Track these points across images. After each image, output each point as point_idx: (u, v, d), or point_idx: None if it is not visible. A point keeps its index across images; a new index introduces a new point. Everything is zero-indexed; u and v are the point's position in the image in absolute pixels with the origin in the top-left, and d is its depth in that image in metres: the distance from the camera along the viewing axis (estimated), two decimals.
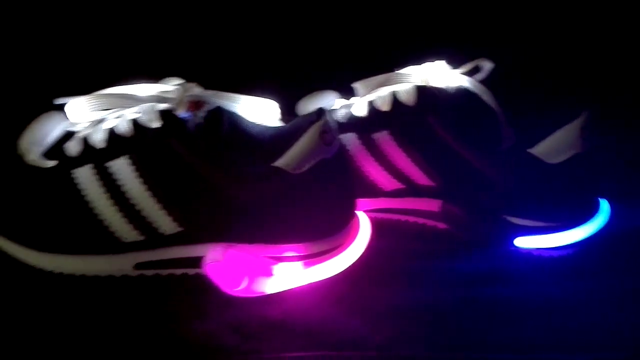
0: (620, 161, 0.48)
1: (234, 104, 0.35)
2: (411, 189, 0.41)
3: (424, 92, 0.39)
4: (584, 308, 0.34)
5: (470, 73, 0.40)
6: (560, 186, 0.38)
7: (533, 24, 0.57)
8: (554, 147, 0.37)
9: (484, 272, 0.37)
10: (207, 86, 0.35)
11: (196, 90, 0.35)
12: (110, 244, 0.34)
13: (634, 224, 0.41)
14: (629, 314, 0.33)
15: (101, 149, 0.34)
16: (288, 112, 0.40)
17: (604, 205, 0.40)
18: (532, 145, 0.37)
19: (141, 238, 0.34)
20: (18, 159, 0.35)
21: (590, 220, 0.39)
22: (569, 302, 0.34)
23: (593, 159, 0.38)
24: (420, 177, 0.40)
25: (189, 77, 0.36)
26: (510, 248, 0.39)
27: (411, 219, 0.42)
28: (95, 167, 0.34)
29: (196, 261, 0.34)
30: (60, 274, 0.35)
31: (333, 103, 0.44)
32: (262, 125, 0.36)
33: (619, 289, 0.35)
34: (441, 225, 0.41)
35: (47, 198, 0.34)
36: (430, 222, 0.41)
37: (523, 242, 0.39)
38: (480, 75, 0.41)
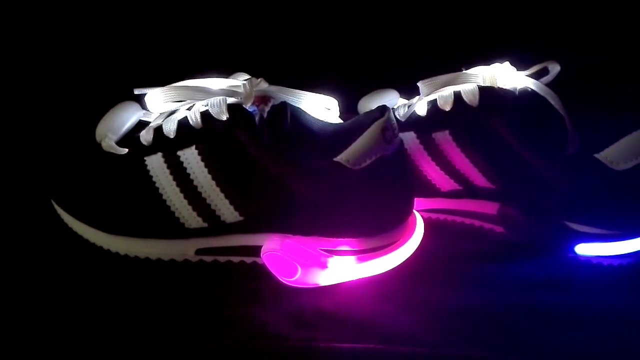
0: None
1: (298, 100, 0.36)
2: (469, 191, 0.40)
3: (488, 93, 0.38)
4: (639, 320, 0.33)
5: (537, 75, 0.40)
6: (625, 193, 0.36)
7: (603, 26, 0.55)
8: (621, 153, 0.36)
9: (541, 278, 0.37)
10: (273, 82, 0.37)
11: (263, 85, 0.36)
12: (175, 229, 0.36)
13: None
14: None
15: (172, 139, 0.35)
16: (349, 110, 0.41)
17: None
18: (599, 150, 0.36)
19: (204, 225, 0.35)
20: (96, 145, 0.38)
21: None
22: (627, 313, 0.33)
23: None
24: (478, 179, 0.40)
25: (256, 73, 0.37)
26: (569, 255, 0.38)
27: (467, 220, 0.42)
28: (166, 156, 0.35)
29: (254, 250, 0.35)
30: (126, 256, 0.37)
31: (395, 102, 0.44)
32: (324, 121, 0.37)
33: None
34: (498, 229, 0.40)
35: (120, 183, 0.36)
36: (487, 225, 0.41)
37: (583, 249, 0.38)
38: (548, 78, 0.40)
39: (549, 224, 0.38)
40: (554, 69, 0.40)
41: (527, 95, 0.38)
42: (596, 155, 0.36)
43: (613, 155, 0.36)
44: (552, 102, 0.37)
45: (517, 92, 0.39)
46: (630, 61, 0.55)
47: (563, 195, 0.37)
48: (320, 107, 0.37)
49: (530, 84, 0.39)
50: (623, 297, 0.35)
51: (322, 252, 0.35)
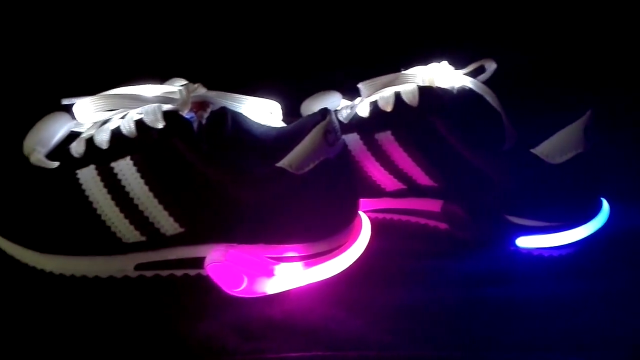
0: (621, 161, 0.48)
1: (238, 105, 0.35)
2: (413, 189, 0.41)
3: (427, 93, 0.39)
4: (584, 308, 0.34)
5: (473, 74, 0.40)
6: (562, 186, 0.38)
7: (535, 25, 0.57)
8: (556, 147, 0.37)
9: (485, 272, 0.37)
10: (211, 87, 0.36)
11: (200, 90, 0.35)
12: (112, 245, 0.34)
13: (634, 223, 0.41)
14: (629, 314, 0.33)
15: (105, 150, 0.34)
16: (291, 113, 0.40)
17: (605, 205, 0.40)
18: (535, 145, 0.37)
19: (142, 239, 0.34)
20: (23, 159, 0.35)
21: (591, 219, 0.39)
22: (569, 302, 0.35)
23: (595, 158, 0.38)
24: (422, 178, 0.40)
25: (193, 77, 0.36)
26: (511, 248, 0.39)
27: (413, 219, 0.42)
28: (99, 168, 0.34)
29: (197, 262, 0.34)
30: (61, 275, 0.35)
31: (337, 103, 0.44)
32: (266, 126, 0.37)
33: (619, 289, 0.35)
34: (442, 226, 0.41)
35: (51, 199, 0.35)
36: (431, 222, 0.41)
37: (524, 241, 0.39)
38: (484, 76, 0.41)
39: (490, 218, 0.39)
40: (490, 66, 0.41)
41: (465, 94, 0.39)
42: (532, 150, 0.37)
43: (548, 149, 0.37)
44: (489, 99, 0.38)
45: (455, 91, 0.39)
46: (562, 59, 0.57)
47: (502, 190, 0.38)
48: (262, 111, 0.37)
49: (467, 82, 0.39)
50: (564, 286, 0.36)
51: (269, 259, 0.34)
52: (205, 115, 0.34)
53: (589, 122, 0.37)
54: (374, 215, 0.42)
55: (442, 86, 0.39)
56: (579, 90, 0.53)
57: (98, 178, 0.34)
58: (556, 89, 0.52)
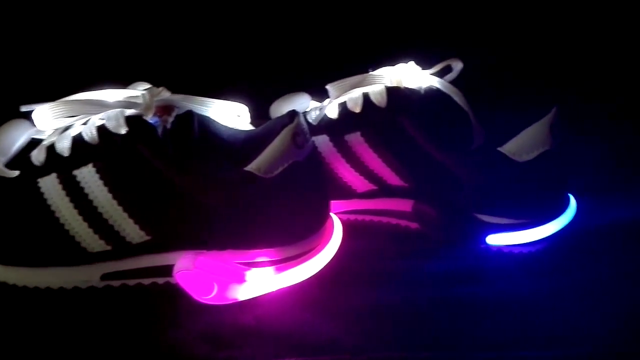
0: (588, 157, 0.48)
1: (204, 108, 0.35)
2: (384, 190, 0.41)
3: (395, 93, 0.39)
4: (554, 304, 0.35)
5: (440, 73, 0.41)
6: (530, 183, 0.38)
7: (501, 24, 0.58)
8: (523, 145, 0.37)
9: (456, 271, 0.37)
10: (176, 90, 0.35)
11: (164, 94, 0.34)
12: (76, 255, 0.33)
13: (600, 218, 0.41)
14: (598, 308, 0.34)
15: (67, 157, 0.33)
16: (260, 115, 0.40)
17: (572, 201, 0.41)
18: (502, 143, 0.38)
19: (108, 248, 0.33)
20: None
21: (559, 216, 0.39)
22: (540, 298, 0.35)
23: (561, 155, 0.39)
24: (392, 178, 0.40)
25: (156, 81, 0.35)
26: (481, 246, 0.39)
27: (384, 219, 0.42)
28: (61, 176, 0.33)
29: (166, 270, 0.33)
30: (25, 287, 0.34)
31: (307, 105, 0.44)
32: (233, 129, 0.36)
33: (587, 283, 0.36)
34: (414, 225, 0.41)
35: (11, 209, 0.33)
36: (403, 222, 0.41)
37: (494, 239, 0.39)
38: (451, 76, 0.41)
39: (460, 217, 0.39)
40: (457, 66, 0.41)
41: (432, 94, 0.39)
42: (500, 149, 0.37)
43: (516, 147, 0.37)
44: (457, 99, 0.38)
45: (422, 91, 0.39)
46: (527, 57, 0.58)
47: (472, 189, 0.38)
48: (229, 114, 0.36)
49: (435, 82, 0.39)
50: (535, 282, 0.36)
51: (239, 265, 0.33)
52: (170, 119, 0.33)
53: (554, 119, 0.38)
54: (345, 216, 0.42)
55: (410, 86, 0.39)
56: (545, 88, 0.54)
57: (60, 186, 0.33)
58: (522, 87, 0.52)
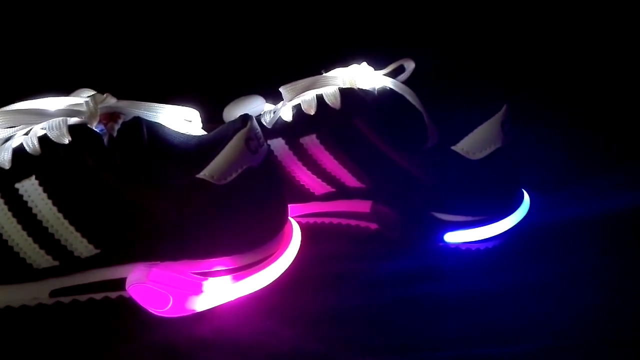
0: (539, 153, 0.50)
1: (153, 114, 0.34)
2: (342, 192, 0.41)
3: (349, 95, 0.39)
4: (512, 299, 0.35)
5: (393, 74, 0.41)
6: (484, 180, 0.38)
7: (450, 23, 0.58)
8: (475, 143, 0.38)
9: (416, 270, 0.37)
10: (122, 96, 0.33)
11: (110, 101, 0.33)
12: (22, 272, 0.32)
13: (554, 213, 0.42)
14: (555, 302, 0.35)
15: (7, 170, 0.31)
16: (212, 120, 0.39)
17: (526, 197, 0.41)
18: (455, 142, 0.38)
19: (55, 263, 0.32)
20: None
21: (514, 212, 0.40)
22: (498, 294, 0.35)
23: (513, 152, 0.39)
24: (349, 180, 0.40)
25: (101, 87, 0.34)
26: (439, 244, 0.40)
27: (343, 221, 0.42)
28: (2, 190, 0.31)
29: (118, 283, 0.32)
30: None
31: (261, 108, 0.43)
32: (185, 135, 0.35)
33: (543, 278, 0.37)
34: (373, 226, 0.41)
35: None
36: (362, 224, 0.41)
37: (452, 237, 0.40)
38: (403, 76, 0.41)
39: (417, 216, 0.39)
40: (409, 66, 0.41)
41: (385, 94, 0.39)
42: (453, 147, 0.38)
43: (468, 145, 0.38)
44: (410, 98, 0.39)
45: (376, 92, 0.39)
46: (476, 56, 0.59)
47: (427, 188, 0.38)
48: (179, 120, 0.35)
49: (388, 82, 0.40)
50: (492, 279, 0.37)
51: (195, 275, 0.32)
52: (117, 127, 0.32)
53: (505, 117, 0.38)
54: (304, 220, 0.41)
55: (363, 87, 0.39)
56: (494, 86, 0.55)
57: (2, 201, 0.31)
58: (473, 86, 0.53)
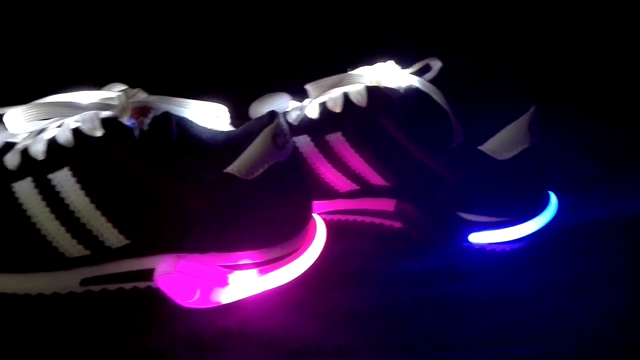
0: (567, 154, 0.49)
1: (182, 109, 0.34)
2: (366, 190, 0.41)
3: (375, 93, 0.39)
4: (536, 301, 0.35)
5: (420, 72, 0.41)
6: (510, 181, 0.38)
7: (479, 22, 0.58)
8: (502, 143, 0.38)
9: (439, 270, 0.37)
10: (152, 91, 0.34)
11: (140, 95, 0.33)
12: (54, 260, 0.32)
13: (581, 215, 0.42)
14: (580, 305, 0.34)
15: (41, 161, 0.32)
16: (239, 116, 0.39)
17: (553, 198, 0.41)
18: (482, 142, 0.38)
19: (87, 253, 0.32)
20: None
21: (540, 213, 0.39)
22: (522, 296, 0.35)
23: (541, 153, 0.39)
24: (374, 177, 0.40)
25: (133, 82, 0.34)
26: (464, 244, 0.40)
27: (367, 219, 0.42)
28: (36, 180, 0.32)
29: (147, 274, 0.33)
30: (3, 295, 0.33)
31: (286, 105, 0.44)
32: (212, 130, 0.36)
33: (568, 281, 0.36)
34: (397, 225, 0.41)
35: None
36: (386, 222, 0.41)
37: (476, 237, 0.39)
38: (430, 75, 0.41)
39: (442, 216, 0.39)
40: (436, 65, 0.41)
41: (412, 93, 0.39)
42: (480, 147, 0.38)
43: (495, 146, 0.37)
44: (436, 98, 0.39)
45: (402, 90, 0.39)
46: (505, 55, 0.59)
47: (452, 187, 0.38)
48: (208, 115, 0.36)
49: (414, 81, 0.40)
50: (517, 280, 0.37)
51: (222, 268, 0.33)
52: (147, 121, 0.33)
53: (533, 117, 0.38)
54: (328, 217, 0.42)
55: (389, 86, 0.39)
56: (523, 86, 0.55)
57: (35, 191, 0.32)
58: (501, 86, 0.53)
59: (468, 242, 0.39)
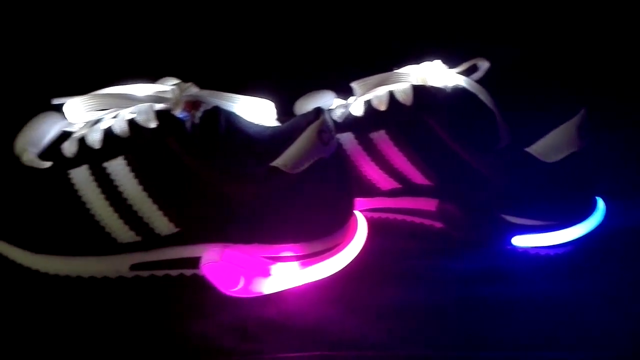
0: (616, 159, 0.48)
1: (231, 104, 0.35)
2: (408, 188, 0.41)
3: (421, 92, 0.39)
4: (579, 307, 0.34)
5: (467, 72, 0.40)
6: (557, 185, 0.38)
7: (529, 23, 0.57)
8: (550, 145, 0.37)
9: (481, 271, 0.37)
10: (204, 86, 0.35)
11: (193, 90, 0.34)
12: (106, 245, 0.34)
13: (629, 222, 0.41)
14: (624, 313, 0.33)
15: (97, 150, 0.33)
16: (285, 112, 0.40)
17: (600, 204, 0.40)
18: (529, 144, 0.37)
19: (137, 239, 0.34)
20: (14, 159, 0.35)
21: (587, 218, 0.39)
22: (564, 301, 0.35)
23: (589, 157, 0.38)
24: (417, 177, 0.40)
25: (185, 76, 0.36)
26: (507, 247, 0.39)
27: (408, 218, 0.42)
28: (92, 168, 0.33)
29: (193, 262, 0.34)
30: (56, 276, 0.35)
31: (331, 103, 0.44)
32: (259, 125, 0.36)
33: (613, 288, 0.35)
34: (438, 225, 0.41)
35: (43, 199, 0.34)
36: (427, 222, 0.41)
37: (520, 240, 0.39)
38: (477, 75, 0.41)
39: (485, 217, 0.39)
40: (483, 65, 0.41)
41: (458, 93, 0.39)
42: (527, 149, 0.37)
43: (543, 148, 0.37)
44: (483, 98, 0.38)
45: (448, 90, 0.39)
46: (555, 57, 0.57)
47: (498, 189, 0.38)
48: (255, 111, 0.36)
49: (461, 81, 0.39)
50: (560, 285, 0.36)
51: (265, 259, 0.34)
52: (198, 114, 0.34)
53: (582, 121, 0.37)
54: (369, 214, 0.42)
55: (436, 85, 0.39)
56: (573, 88, 0.54)
57: (91, 178, 0.33)
58: (550, 87, 0.52)
59: (511, 244, 0.39)
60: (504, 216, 0.39)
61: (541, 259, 0.39)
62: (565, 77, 0.56)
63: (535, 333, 0.32)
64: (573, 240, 0.39)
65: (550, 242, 0.39)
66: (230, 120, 0.35)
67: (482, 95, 0.38)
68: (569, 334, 0.32)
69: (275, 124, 0.37)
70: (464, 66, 0.40)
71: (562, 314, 0.33)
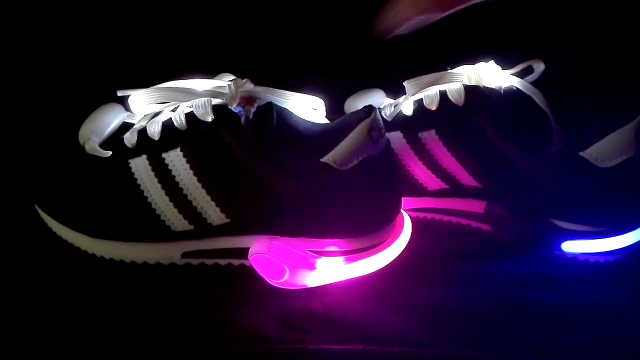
0: None
1: (284, 100, 0.36)
2: (456, 189, 0.40)
3: (473, 92, 0.38)
4: (627, 315, 0.33)
5: (521, 74, 0.40)
6: (611, 191, 0.37)
7: (586, 25, 0.55)
8: (606, 150, 0.36)
9: (528, 275, 0.37)
10: (258, 82, 0.36)
11: (248, 86, 0.35)
12: (161, 233, 0.35)
13: None
14: None
15: (157, 141, 0.35)
16: (334, 110, 0.41)
17: None
18: (584, 148, 0.36)
19: (190, 227, 0.35)
20: (78, 148, 0.37)
21: (639, 226, 0.38)
22: (613, 310, 0.34)
23: None
24: (465, 178, 0.40)
25: (242, 73, 0.37)
26: (556, 252, 0.38)
27: (454, 219, 0.42)
28: (150, 158, 0.35)
29: (241, 252, 0.35)
30: (111, 260, 0.36)
31: (382, 101, 0.44)
32: (310, 122, 0.37)
33: None
34: (485, 227, 0.40)
35: (104, 187, 0.36)
36: (474, 224, 0.41)
37: (570, 246, 0.38)
38: (532, 76, 0.40)
39: (535, 222, 0.38)
40: (539, 67, 0.40)
41: (512, 94, 0.39)
42: (581, 153, 0.36)
43: (598, 152, 0.36)
44: (537, 100, 0.38)
45: (502, 91, 0.39)
46: (613, 60, 0.55)
47: (549, 193, 0.37)
48: (306, 108, 0.37)
49: (515, 82, 0.39)
50: (609, 293, 0.35)
51: (310, 253, 0.34)
52: (252, 110, 0.35)
53: (639, 126, 0.36)
54: (415, 214, 0.42)
55: (489, 86, 0.39)
56: (630, 93, 0.52)
57: (149, 168, 0.35)
58: (606, 91, 0.50)
59: (561, 250, 0.38)
60: (554, 221, 0.38)
61: (590, 265, 0.38)
62: (622, 81, 0.54)
63: (579, 340, 0.31)
64: (624, 248, 0.37)
65: (600, 248, 0.38)
66: (282, 116, 0.36)
67: (537, 97, 0.38)
68: (611, 344, 0.31)
69: (325, 121, 0.38)
70: (518, 67, 0.40)
71: (607, 324, 0.33)
